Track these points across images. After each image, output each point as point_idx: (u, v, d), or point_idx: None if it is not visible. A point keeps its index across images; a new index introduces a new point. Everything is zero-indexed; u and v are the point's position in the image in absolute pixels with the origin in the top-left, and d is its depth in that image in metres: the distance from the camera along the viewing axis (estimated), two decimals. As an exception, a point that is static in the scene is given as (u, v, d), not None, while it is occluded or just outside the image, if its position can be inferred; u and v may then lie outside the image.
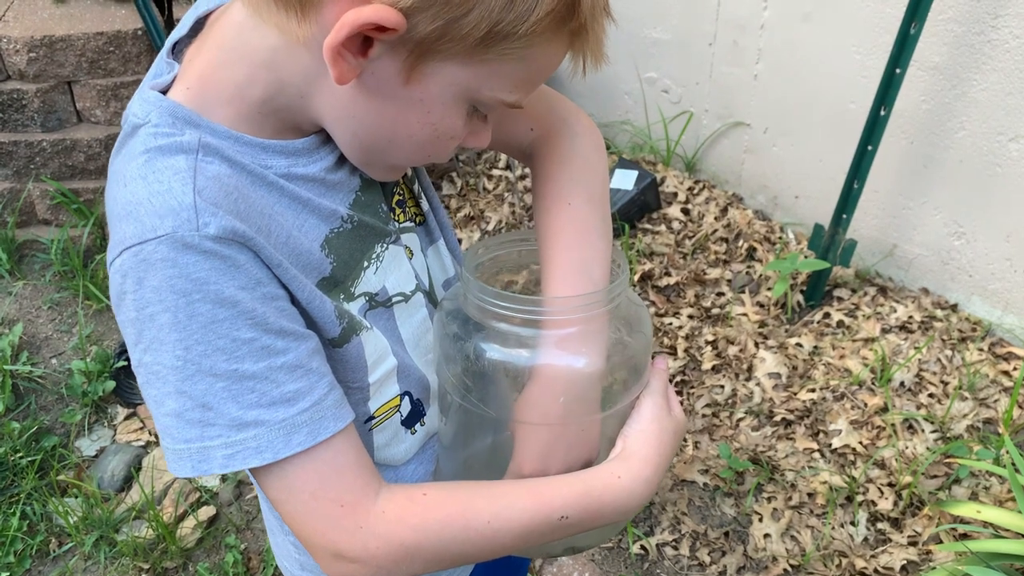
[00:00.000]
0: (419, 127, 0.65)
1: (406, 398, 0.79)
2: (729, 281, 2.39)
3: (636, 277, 2.37)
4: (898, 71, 1.92)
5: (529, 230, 0.82)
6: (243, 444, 0.61)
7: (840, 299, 2.32)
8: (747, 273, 2.40)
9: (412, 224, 0.83)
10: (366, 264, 0.74)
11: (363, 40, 0.58)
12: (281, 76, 0.64)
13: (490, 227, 2.59)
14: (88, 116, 2.61)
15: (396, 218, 0.80)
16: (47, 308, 2.47)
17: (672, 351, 2.21)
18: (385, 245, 0.76)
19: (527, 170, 2.79)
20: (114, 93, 2.56)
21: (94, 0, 2.64)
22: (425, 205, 0.86)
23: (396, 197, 0.80)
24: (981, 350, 2.16)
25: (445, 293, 0.86)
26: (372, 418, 0.77)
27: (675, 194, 2.60)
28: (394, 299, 0.77)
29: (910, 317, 2.25)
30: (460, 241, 2.55)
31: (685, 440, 2.02)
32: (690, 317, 2.28)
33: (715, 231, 2.50)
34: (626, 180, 2.48)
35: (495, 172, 2.78)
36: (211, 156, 0.62)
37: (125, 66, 2.54)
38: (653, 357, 0.80)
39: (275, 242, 0.64)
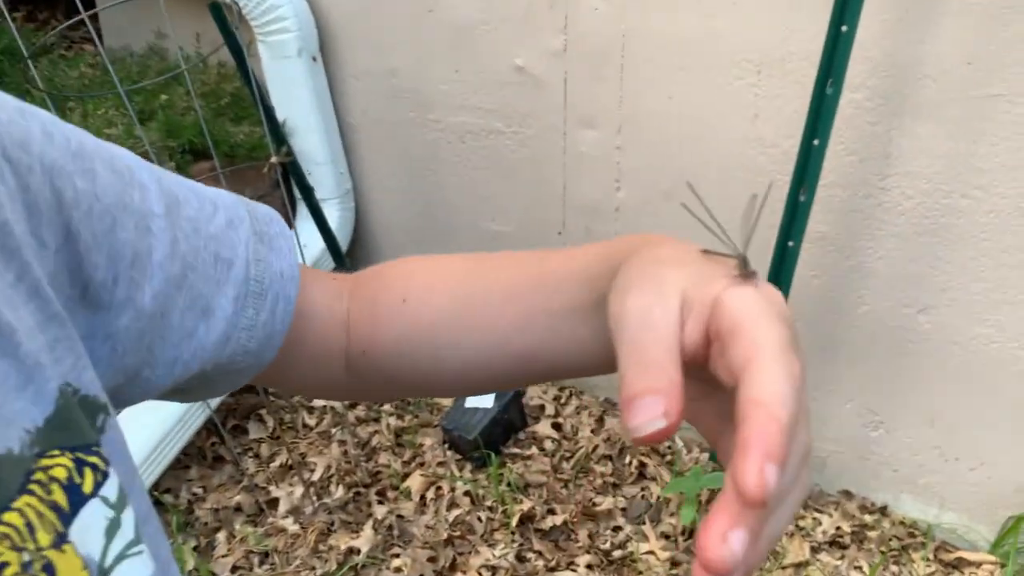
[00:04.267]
0: None
1: None
2: (624, 510, 1.93)
3: (514, 521, 1.86)
4: (791, 244, 1.66)
5: None
6: None
7: (755, 516, 1.92)
8: (643, 498, 1.96)
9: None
10: None
11: None
12: None
13: (316, 476, 2.02)
14: None
15: None
16: None
17: (575, 619, 1.69)
18: None
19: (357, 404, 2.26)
20: None
21: None
22: None
23: None
24: (927, 560, 1.81)
25: None
26: None
27: (542, 407, 2.17)
28: None
29: (838, 528, 1.88)
30: (277, 500, 1.95)
31: None
32: (589, 567, 1.78)
33: (595, 447, 2.07)
34: (484, 397, 2.03)
35: (316, 403, 2.25)
36: None
37: None
38: None
39: None
